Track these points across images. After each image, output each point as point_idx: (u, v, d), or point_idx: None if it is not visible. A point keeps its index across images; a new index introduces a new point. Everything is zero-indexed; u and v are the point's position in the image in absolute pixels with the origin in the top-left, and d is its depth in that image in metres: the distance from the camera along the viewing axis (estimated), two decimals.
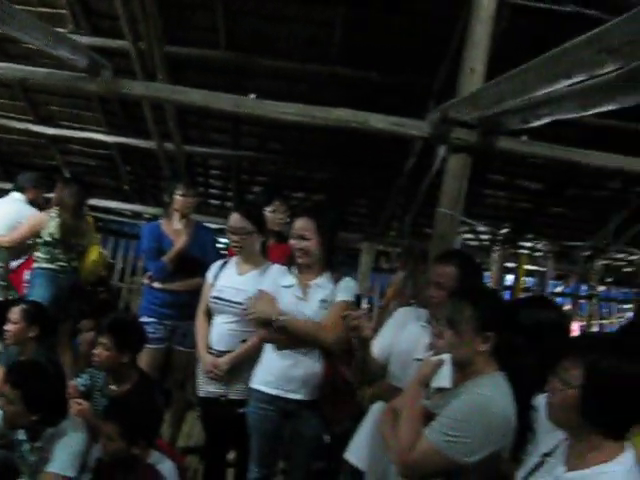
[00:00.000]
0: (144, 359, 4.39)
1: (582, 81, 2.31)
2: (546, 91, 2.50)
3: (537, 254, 6.37)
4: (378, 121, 4.12)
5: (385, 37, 5.50)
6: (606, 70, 1.97)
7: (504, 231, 6.94)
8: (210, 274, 4.05)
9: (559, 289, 8.02)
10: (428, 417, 2.58)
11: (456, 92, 3.97)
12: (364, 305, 6.94)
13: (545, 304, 3.25)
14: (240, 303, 3.83)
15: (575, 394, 2.02)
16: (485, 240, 6.93)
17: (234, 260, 4.07)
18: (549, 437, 2.34)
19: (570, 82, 2.27)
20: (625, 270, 7.64)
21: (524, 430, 2.51)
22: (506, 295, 5.20)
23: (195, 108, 5.52)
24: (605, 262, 7.61)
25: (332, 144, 6.68)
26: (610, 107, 2.37)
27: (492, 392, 2.54)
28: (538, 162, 5.22)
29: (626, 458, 2.02)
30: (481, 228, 6.81)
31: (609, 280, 8.15)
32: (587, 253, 7.26)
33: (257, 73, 6.26)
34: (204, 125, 7.20)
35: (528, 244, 7.04)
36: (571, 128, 5.46)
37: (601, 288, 8.77)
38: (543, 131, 4.74)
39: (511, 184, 6.56)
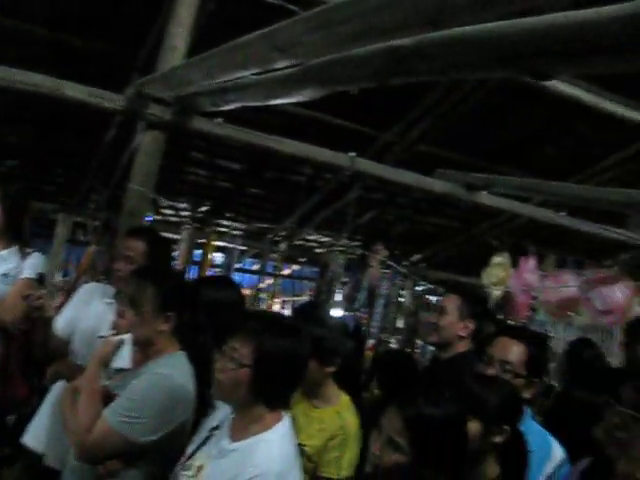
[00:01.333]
0: None
1: (263, 73, 2.43)
2: (231, 78, 2.58)
3: (234, 232, 6.56)
4: (73, 90, 3.91)
5: (90, 2, 5.26)
6: (279, 66, 2.08)
7: (204, 209, 7.05)
8: None
9: (255, 267, 8.33)
10: (109, 398, 2.56)
11: (157, 68, 3.93)
12: (58, 279, 6.67)
13: (226, 284, 3.38)
14: None
15: (246, 372, 2.13)
16: (185, 217, 6.98)
17: None
18: (217, 412, 2.45)
19: (250, 72, 2.36)
20: (316, 251, 8.13)
21: (205, 406, 2.59)
22: (193, 271, 5.30)
23: None
24: (299, 243, 8.06)
25: (28, 106, 6.27)
26: (289, 99, 2.51)
27: (171, 371, 2.59)
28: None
29: (282, 426, 2.21)
30: (181, 205, 6.86)
31: (303, 260, 8.63)
32: (282, 233, 7.63)
33: None
34: None
35: (226, 222, 7.23)
36: (274, 115, 5.64)
37: (295, 267, 9.29)
38: (247, 115, 4.89)
39: (212, 163, 6.65)
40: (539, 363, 2.94)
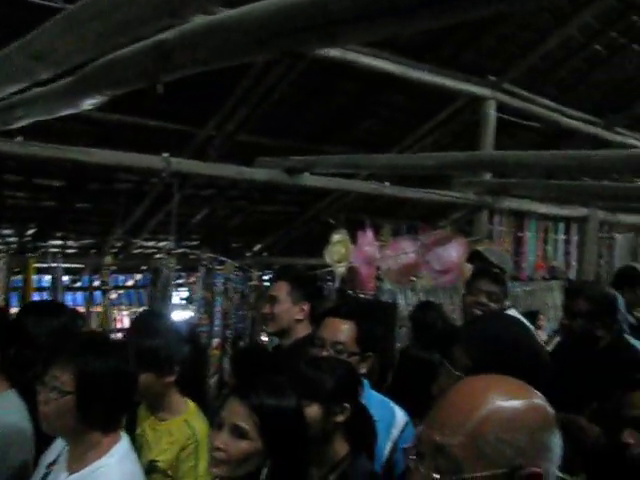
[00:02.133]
0: None
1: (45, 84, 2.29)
2: (4, 94, 2.40)
3: (65, 251, 6.27)
4: None
5: None
6: (43, 76, 1.96)
7: (31, 232, 6.71)
8: None
9: (97, 283, 8.03)
10: None
11: None
12: None
13: (52, 309, 3.21)
14: None
15: (70, 400, 2.03)
16: (11, 243, 6.62)
17: None
18: (53, 446, 2.33)
19: (20, 86, 2.22)
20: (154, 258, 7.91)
21: (46, 443, 2.45)
22: (15, 299, 4.99)
23: None
24: (137, 252, 7.81)
25: None
26: (75, 110, 2.38)
27: (1, 412, 2.45)
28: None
29: (120, 447, 2.13)
30: (5, 231, 6.49)
31: (143, 268, 8.36)
32: (118, 244, 7.37)
33: None
34: None
35: (57, 242, 6.91)
36: (86, 124, 5.39)
37: (138, 276, 8.99)
38: (54, 127, 4.61)
39: (31, 183, 6.30)
40: (371, 336, 2.97)
